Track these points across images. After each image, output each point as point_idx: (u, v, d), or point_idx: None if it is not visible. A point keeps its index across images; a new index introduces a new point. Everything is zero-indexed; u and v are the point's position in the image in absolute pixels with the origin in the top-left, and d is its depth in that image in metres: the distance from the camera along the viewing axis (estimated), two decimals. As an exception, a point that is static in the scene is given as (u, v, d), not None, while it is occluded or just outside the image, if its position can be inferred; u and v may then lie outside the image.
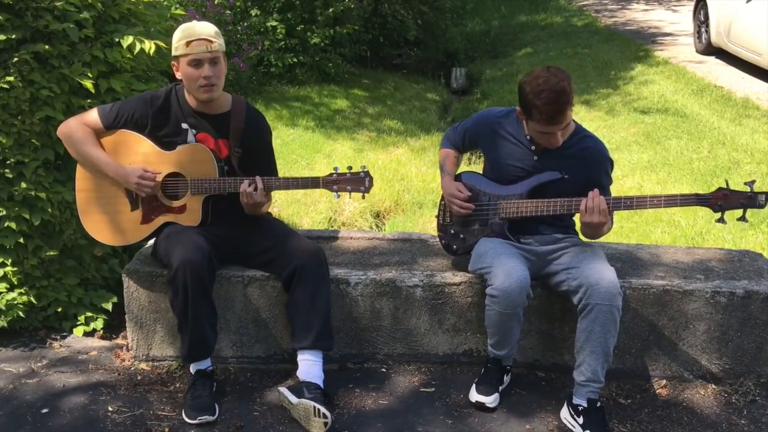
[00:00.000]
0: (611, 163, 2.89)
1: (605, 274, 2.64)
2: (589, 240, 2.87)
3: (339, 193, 2.85)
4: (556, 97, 2.60)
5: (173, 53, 2.81)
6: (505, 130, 2.89)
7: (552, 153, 2.81)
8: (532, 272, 2.75)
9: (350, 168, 2.87)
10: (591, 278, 2.63)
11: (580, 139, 2.85)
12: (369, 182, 2.85)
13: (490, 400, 2.79)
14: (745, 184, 2.64)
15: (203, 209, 2.88)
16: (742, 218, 2.63)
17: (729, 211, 2.65)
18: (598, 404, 2.67)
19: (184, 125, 2.89)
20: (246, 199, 2.83)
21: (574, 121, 2.89)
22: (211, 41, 2.76)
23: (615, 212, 2.80)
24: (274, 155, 3.09)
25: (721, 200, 2.64)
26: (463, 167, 3.20)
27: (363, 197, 2.91)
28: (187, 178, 2.86)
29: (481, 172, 3.04)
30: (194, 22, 2.84)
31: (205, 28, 2.79)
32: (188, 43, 2.74)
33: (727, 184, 2.68)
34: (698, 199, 2.68)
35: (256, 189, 2.81)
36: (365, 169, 2.86)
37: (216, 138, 2.91)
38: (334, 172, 2.86)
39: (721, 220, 2.64)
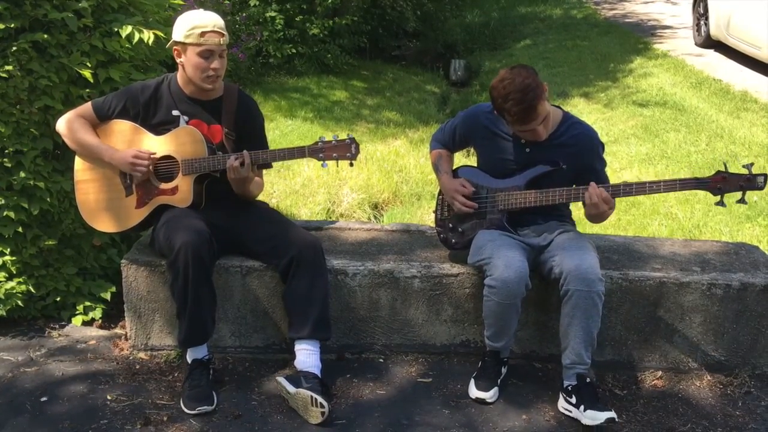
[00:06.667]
0: (602, 146, 2.91)
1: (584, 260, 2.66)
2: (590, 223, 2.88)
3: (326, 161, 2.82)
4: (523, 97, 2.61)
5: (180, 39, 2.80)
6: (495, 126, 2.90)
7: (543, 143, 2.82)
8: (529, 263, 2.76)
9: (336, 136, 2.85)
10: (570, 264, 2.65)
11: (570, 126, 2.85)
12: (355, 149, 2.82)
13: (490, 395, 2.79)
14: (743, 166, 2.65)
15: (195, 190, 2.89)
16: (741, 200, 2.64)
17: (728, 194, 2.65)
18: (588, 380, 2.69)
19: (176, 112, 2.92)
20: (233, 174, 2.83)
21: (560, 108, 2.89)
22: (223, 34, 2.82)
23: (614, 200, 2.82)
24: (267, 141, 3.12)
25: (720, 183, 2.65)
26: (462, 160, 3.20)
27: (351, 164, 2.86)
28: (178, 159, 2.88)
29: (476, 165, 3.05)
30: (203, 11, 2.86)
31: (219, 20, 2.84)
32: (203, 34, 2.77)
33: (726, 167, 2.69)
34: (697, 183, 2.69)
35: (243, 164, 2.81)
36: (351, 136, 2.84)
37: (209, 124, 2.94)
38: (319, 140, 2.84)
39: (720, 203, 2.65)
